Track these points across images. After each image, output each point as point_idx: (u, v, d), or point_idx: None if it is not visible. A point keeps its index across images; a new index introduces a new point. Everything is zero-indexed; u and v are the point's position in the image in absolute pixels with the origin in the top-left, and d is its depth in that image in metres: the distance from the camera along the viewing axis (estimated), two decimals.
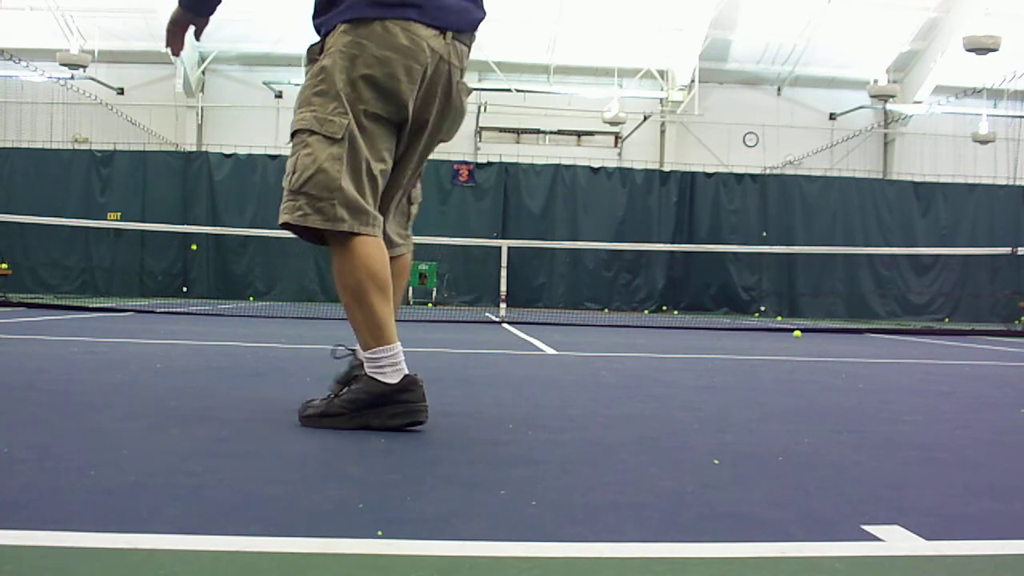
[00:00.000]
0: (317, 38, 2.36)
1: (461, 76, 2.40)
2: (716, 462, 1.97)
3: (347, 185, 2.23)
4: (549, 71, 21.33)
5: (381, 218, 2.32)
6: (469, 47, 2.43)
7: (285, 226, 2.31)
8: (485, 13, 2.46)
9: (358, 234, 2.25)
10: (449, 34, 2.32)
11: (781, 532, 1.40)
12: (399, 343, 2.28)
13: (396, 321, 2.33)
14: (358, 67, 2.23)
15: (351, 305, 2.28)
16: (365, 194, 2.27)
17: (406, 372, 2.27)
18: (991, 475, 1.94)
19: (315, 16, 2.36)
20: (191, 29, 2.45)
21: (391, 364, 2.25)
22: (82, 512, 1.39)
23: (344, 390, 2.31)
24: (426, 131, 2.40)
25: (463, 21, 2.36)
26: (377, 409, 2.23)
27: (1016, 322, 14.55)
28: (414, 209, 2.66)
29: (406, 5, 2.25)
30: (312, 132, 2.25)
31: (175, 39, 2.42)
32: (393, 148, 2.36)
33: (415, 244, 2.74)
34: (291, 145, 2.33)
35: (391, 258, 2.45)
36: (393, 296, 2.38)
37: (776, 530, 1.41)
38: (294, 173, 2.28)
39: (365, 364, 2.29)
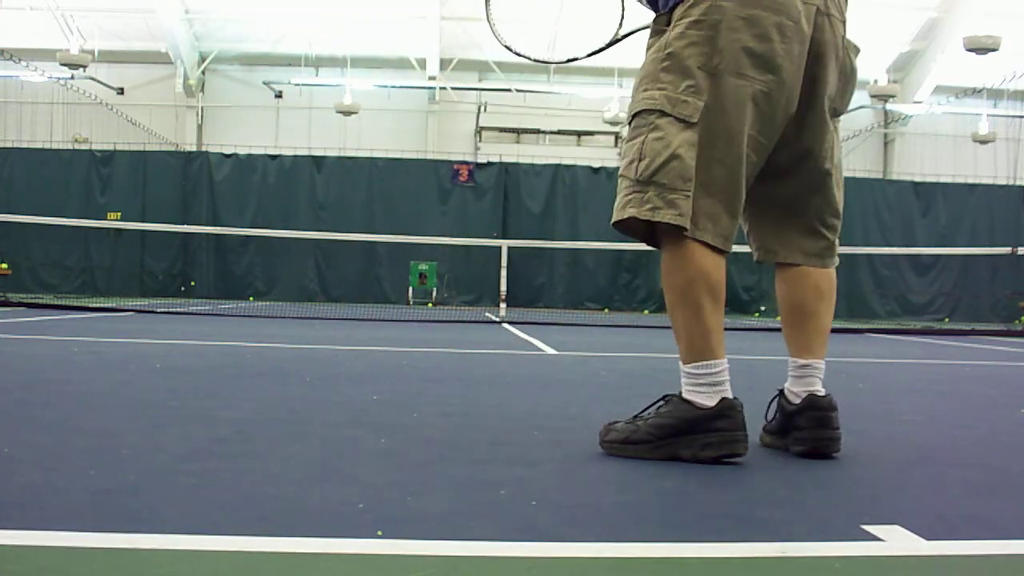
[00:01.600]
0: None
1: (845, 29, 2.02)
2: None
3: (701, 179, 1.91)
4: (549, 71, 21.32)
5: (722, 226, 1.96)
6: None
7: (621, 224, 1.98)
8: None
9: (695, 240, 1.92)
10: None
11: (781, 532, 1.40)
12: (725, 361, 1.97)
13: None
14: (722, 34, 1.90)
15: (675, 307, 1.97)
16: (715, 194, 1.93)
17: (726, 395, 1.95)
18: (991, 475, 1.94)
19: None
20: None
21: (710, 383, 1.94)
22: (82, 512, 1.39)
23: (651, 412, 2.01)
24: (818, 102, 2.02)
25: None
26: (687, 437, 1.92)
27: (1016, 322, 14.55)
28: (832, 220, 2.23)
29: None
30: (663, 113, 1.92)
31: None
32: (772, 133, 1.98)
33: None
34: (630, 127, 2.00)
35: (799, 266, 2.15)
36: (806, 321, 2.10)
37: (776, 530, 1.41)
38: (641, 160, 1.93)
39: (682, 380, 1.99)
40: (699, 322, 1.94)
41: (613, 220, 2.00)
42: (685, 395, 1.97)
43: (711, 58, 1.91)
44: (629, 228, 2.00)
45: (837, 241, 2.24)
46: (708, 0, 1.91)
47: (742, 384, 3.90)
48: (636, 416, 2.04)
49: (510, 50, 2.42)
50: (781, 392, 2.13)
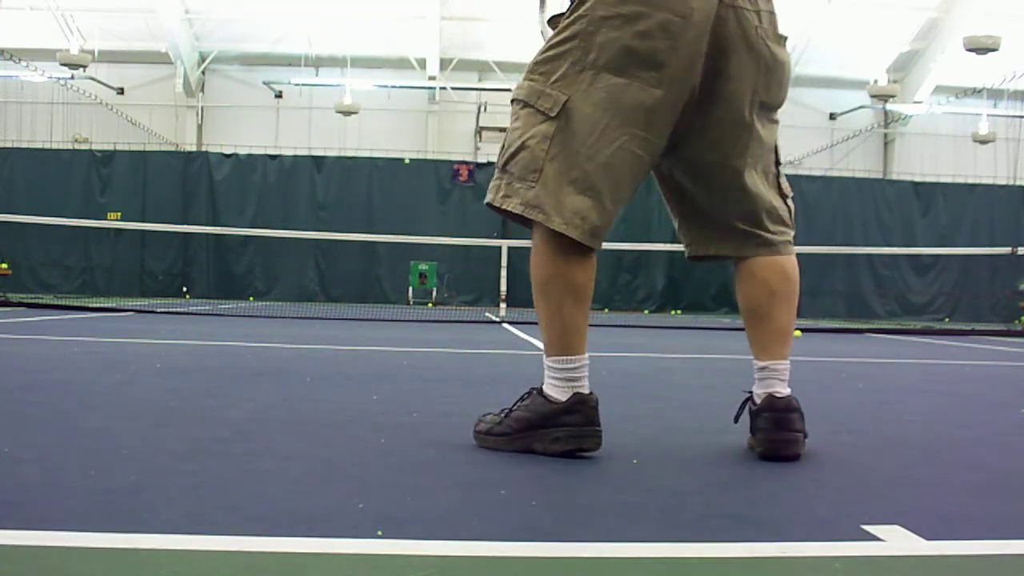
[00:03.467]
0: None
1: (761, 20, 1.94)
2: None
3: (552, 170, 1.91)
4: None
5: (590, 220, 1.92)
6: None
7: (490, 207, 2.03)
8: None
9: (558, 233, 1.92)
10: None
11: (781, 532, 1.40)
12: (584, 357, 2.01)
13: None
14: (602, 31, 1.87)
15: (537, 300, 2.01)
16: (583, 189, 1.91)
17: (579, 390, 1.97)
18: (991, 475, 1.93)
19: None
20: None
21: (566, 378, 1.98)
22: (82, 512, 1.39)
23: (516, 405, 2.05)
24: (724, 97, 1.94)
25: None
26: (540, 431, 1.96)
27: (1016, 322, 14.55)
28: (788, 203, 2.17)
29: None
30: (526, 104, 1.96)
31: None
32: (660, 130, 1.93)
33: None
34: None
35: (747, 258, 2.11)
36: (760, 322, 2.10)
37: (776, 530, 1.41)
38: (503, 148, 2.00)
39: (544, 372, 2.03)
40: (559, 318, 1.98)
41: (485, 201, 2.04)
42: (545, 389, 2.01)
43: (587, 54, 1.89)
44: (505, 215, 2.02)
45: (779, 233, 2.13)
46: None
47: (743, 385, 3.90)
48: (505, 409, 2.08)
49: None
50: (750, 395, 2.12)
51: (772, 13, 1.98)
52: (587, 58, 1.89)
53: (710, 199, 2.10)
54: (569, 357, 1.99)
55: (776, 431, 1.98)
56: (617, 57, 1.87)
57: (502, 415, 2.07)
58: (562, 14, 1.99)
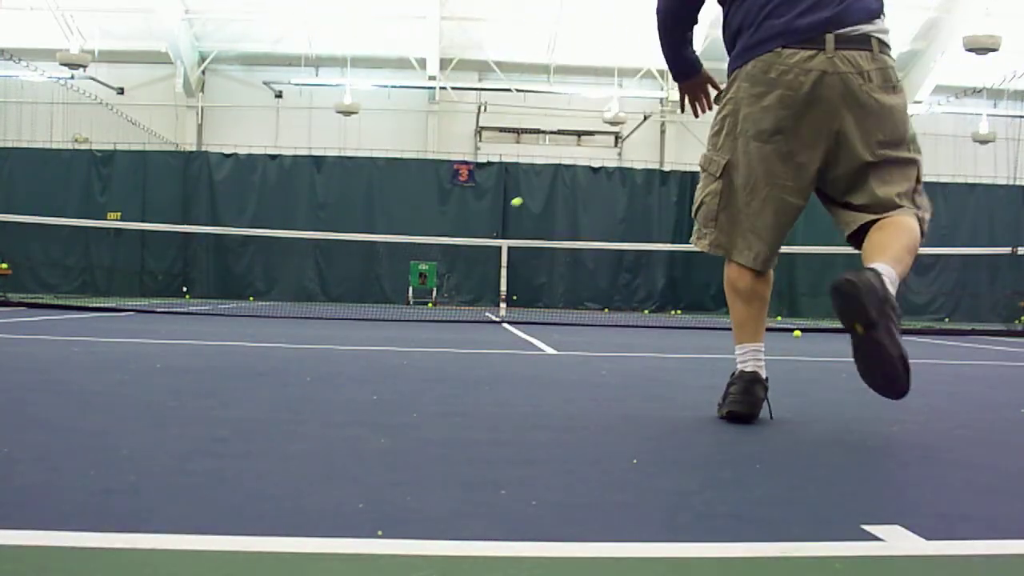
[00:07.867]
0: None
1: (864, 78, 2.37)
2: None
3: (724, 218, 2.57)
4: (549, 71, 21.32)
5: (754, 251, 2.55)
6: (855, 44, 2.39)
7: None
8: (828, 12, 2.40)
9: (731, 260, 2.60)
10: (781, 51, 2.39)
11: (781, 532, 1.40)
12: (748, 345, 2.57)
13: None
14: (741, 108, 2.48)
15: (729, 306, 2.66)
16: (737, 227, 2.55)
17: (747, 369, 2.54)
18: (991, 475, 1.94)
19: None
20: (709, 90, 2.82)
21: (740, 360, 2.57)
22: (82, 512, 1.39)
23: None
24: (843, 144, 2.42)
25: (789, 33, 2.39)
26: (723, 394, 2.59)
27: (1016, 322, 14.55)
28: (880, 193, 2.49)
29: (745, 51, 2.47)
30: (703, 169, 2.63)
31: (699, 103, 2.84)
32: (797, 175, 2.46)
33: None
34: None
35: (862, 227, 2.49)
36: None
37: (776, 530, 1.41)
38: (693, 203, 2.71)
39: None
40: (733, 318, 2.65)
41: None
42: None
43: (736, 126, 2.50)
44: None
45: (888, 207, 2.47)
46: (735, 82, 2.51)
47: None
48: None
49: None
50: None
51: (880, 69, 2.41)
52: (736, 129, 2.51)
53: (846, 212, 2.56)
54: (740, 344, 2.60)
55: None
56: (753, 126, 2.46)
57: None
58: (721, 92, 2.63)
